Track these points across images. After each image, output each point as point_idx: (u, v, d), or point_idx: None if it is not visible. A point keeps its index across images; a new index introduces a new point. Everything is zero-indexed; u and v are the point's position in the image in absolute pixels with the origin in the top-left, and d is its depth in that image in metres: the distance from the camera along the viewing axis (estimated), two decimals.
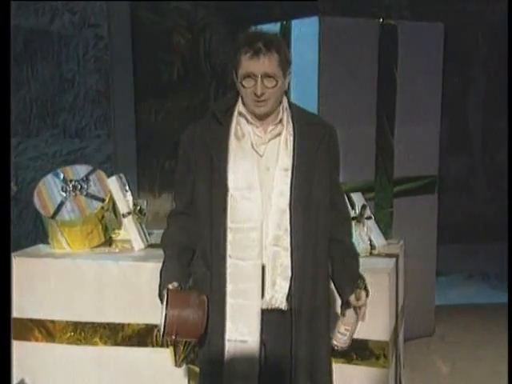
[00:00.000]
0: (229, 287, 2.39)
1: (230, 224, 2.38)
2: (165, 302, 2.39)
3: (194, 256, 2.52)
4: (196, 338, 2.46)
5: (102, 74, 6.61)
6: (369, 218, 3.74)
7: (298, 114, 2.46)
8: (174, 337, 2.41)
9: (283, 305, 2.40)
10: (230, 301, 2.39)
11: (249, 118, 2.42)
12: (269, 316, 2.41)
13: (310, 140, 2.42)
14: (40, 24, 6.45)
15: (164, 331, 2.40)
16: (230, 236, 2.38)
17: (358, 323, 2.52)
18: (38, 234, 6.41)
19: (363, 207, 3.73)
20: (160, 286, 2.52)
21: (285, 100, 2.45)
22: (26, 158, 6.42)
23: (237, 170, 2.39)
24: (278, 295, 2.39)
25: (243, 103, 2.42)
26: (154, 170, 6.82)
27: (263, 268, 2.39)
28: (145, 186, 6.62)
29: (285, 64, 2.36)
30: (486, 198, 8.05)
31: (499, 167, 8.12)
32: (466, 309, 5.52)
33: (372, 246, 3.62)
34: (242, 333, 2.38)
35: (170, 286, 2.44)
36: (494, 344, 4.63)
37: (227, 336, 2.40)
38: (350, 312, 2.49)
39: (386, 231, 4.13)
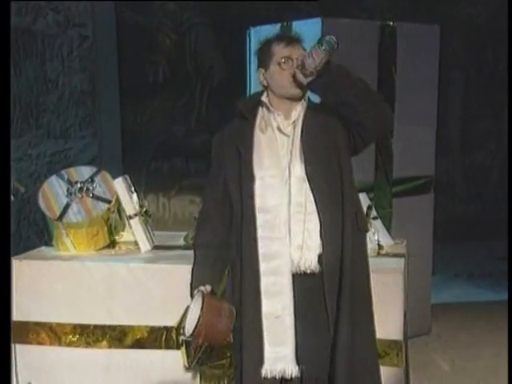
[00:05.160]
0: (262, 266, 2.54)
1: (257, 206, 2.54)
2: (198, 306, 2.46)
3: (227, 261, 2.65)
4: (217, 344, 2.57)
5: (86, 74, 6.56)
6: (375, 218, 3.76)
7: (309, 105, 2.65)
8: (199, 340, 2.49)
9: (315, 267, 2.53)
10: (263, 279, 2.54)
11: (270, 107, 2.62)
12: (302, 283, 2.54)
13: (316, 120, 2.59)
14: (23, 23, 6.36)
15: (192, 333, 2.44)
16: (259, 219, 2.54)
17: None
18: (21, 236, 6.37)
19: (369, 207, 3.74)
20: (192, 285, 2.63)
21: None
22: None
23: (261, 159, 2.57)
24: (308, 257, 2.53)
25: (267, 95, 2.63)
26: (139, 170, 6.77)
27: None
28: None
29: None
30: (464, 198, 8.17)
31: (477, 167, 8.26)
32: (456, 307, 5.58)
33: (380, 246, 3.64)
34: (276, 308, 2.52)
35: (203, 289, 2.56)
36: (489, 342, 4.70)
37: (264, 312, 2.53)
38: None
39: None
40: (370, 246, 3.59)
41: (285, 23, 4.39)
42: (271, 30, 4.46)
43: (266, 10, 6.90)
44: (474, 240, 7.47)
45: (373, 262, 3.46)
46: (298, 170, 2.55)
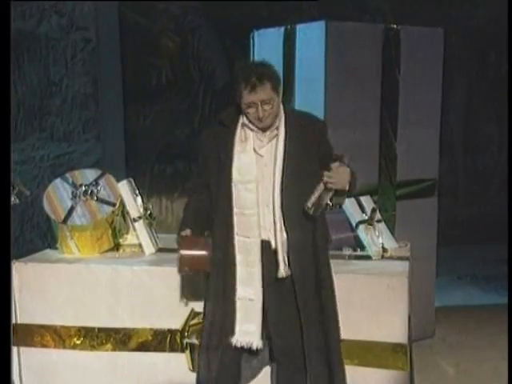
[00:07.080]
0: (238, 258, 2.97)
1: (235, 209, 2.94)
2: None
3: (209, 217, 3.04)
4: (203, 271, 3.01)
5: (90, 77, 6.55)
6: (379, 221, 3.76)
7: (290, 117, 2.97)
8: (186, 269, 2.98)
9: (287, 274, 2.96)
10: (240, 269, 2.97)
11: (251, 126, 2.93)
12: (275, 283, 2.98)
13: (299, 140, 2.93)
14: (27, 26, 6.36)
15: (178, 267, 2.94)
16: (236, 218, 2.95)
17: (329, 194, 2.87)
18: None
19: (373, 210, 3.75)
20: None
21: (280, 108, 2.95)
22: (13, 162, 6.28)
23: (240, 167, 2.93)
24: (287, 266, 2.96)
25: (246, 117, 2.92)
26: (143, 174, 6.76)
27: (264, 244, 2.96)
28: None
29: (277, 85, 2.88)
30: (468, 201, 8.15)
31: (480, 170, 8.25)
32: (460, 311, 5.57)
33: (384, 249, 3.64)
34: (249, 293, 2.97)
35: (183, 233, 2.99)
36: (493, 345, 4.69)
37: (238, 295, 2.97)
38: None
39: None
40: (375, 249, 3.61)
41: (288, 27, 4.38)
42: (275, 33, 4.48)
43: (270, 12, 6.90)
44: (478, 242, 7.45)
45: (377, 265, 3.50)
46: (277, 193, 2.90)
